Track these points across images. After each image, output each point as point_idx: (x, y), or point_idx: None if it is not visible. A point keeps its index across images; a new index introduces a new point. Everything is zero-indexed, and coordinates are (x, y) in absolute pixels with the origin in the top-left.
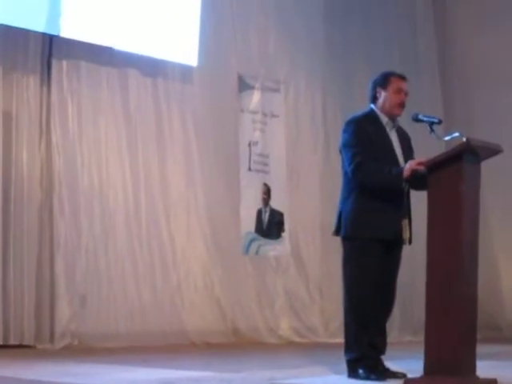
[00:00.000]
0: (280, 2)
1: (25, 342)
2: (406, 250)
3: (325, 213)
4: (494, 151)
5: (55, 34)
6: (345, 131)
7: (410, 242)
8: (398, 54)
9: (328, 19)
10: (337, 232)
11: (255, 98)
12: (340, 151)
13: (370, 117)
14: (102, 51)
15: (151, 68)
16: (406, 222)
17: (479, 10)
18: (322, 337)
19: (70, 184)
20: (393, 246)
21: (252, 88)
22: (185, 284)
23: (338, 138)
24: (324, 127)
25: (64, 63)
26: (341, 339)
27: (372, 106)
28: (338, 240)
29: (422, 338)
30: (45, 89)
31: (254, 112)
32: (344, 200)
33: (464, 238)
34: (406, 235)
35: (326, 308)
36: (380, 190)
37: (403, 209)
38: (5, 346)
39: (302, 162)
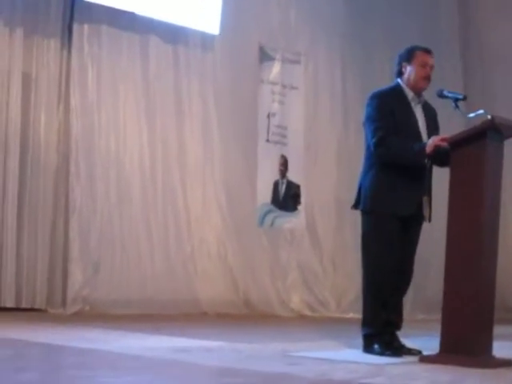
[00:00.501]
0: None
1: (36, 306)
2: (424, 227)
3: (340, 187)
4: None
5: None
6: (368, 105)
7: (430, 220)
8: (417, 28)
9: None
10: (356, 206)
11: (275, 70)
12: (363, 125)
13: (395, 91)
14: (124, 16)
15: (172, 35)
16: (426, 198)
17: None
18: (333, 311)
19: (86, 149)
20: (412, 223)
21: (272, 59)
22: (198, 253)
23: (357, 112)
24: (343, 101)
25: (85, 27)
26: (353, 314)
27: (398, 80)
28: (352, 215)
29: (435, 316)
30: (65, 52)
31: (274, 83)
32: (365, 174)
33: (485, 217)
34: (426, 212)
35: (338, 282)
36: (401, 166)
37: (424, 185)
38: (16, 309)
39: (319, 135)
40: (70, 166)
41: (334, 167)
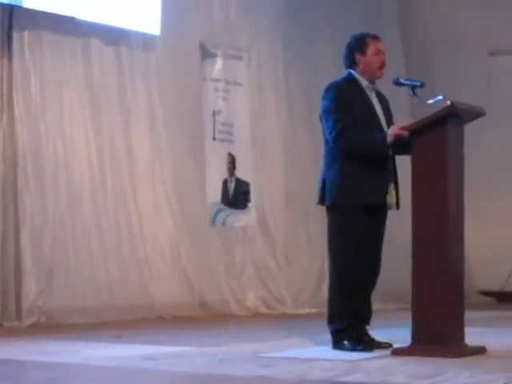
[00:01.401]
0: None
1: None
2: (392, 214)
3: (289, 182)
4: (477, 114)
5: (17, 4)
6: (324, 97)
7: (398, 207)
8: (359, 15)
9: None
10: (321, 201)
11: (218, 66)
12: (320, 118)
13: (350, 82)
14: (64, 21)
15: (114, 37)
16: (391, 186)
17: None
18: (290, 308)
19: (34, 157)
20: (379, 212)
21: (214, 56)
22: (152, 255)
23: (301, 105)
24: (287, 95)
25: (26, 34)
26: (309, 310)
27: (350, 71)
28: (303, 209)
29: (404, 305)
30: (5, 61)
31: (217, 80)
32: (327, 168)
33: (450, 205)
34: (391, 200)
35: (293, 278)
36: (364, 157)
37: (389, 174)
38: None
39: (265, 131)
40: (18, 175)
41: (281, 162)
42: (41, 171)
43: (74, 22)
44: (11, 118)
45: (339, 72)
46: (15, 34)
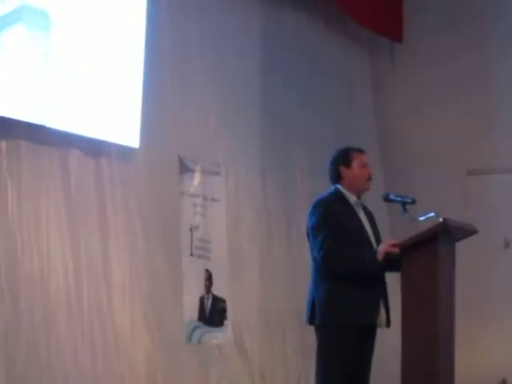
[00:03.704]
0: (219, 87)
1: None
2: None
3: (264, 301)
4: (468, 232)
5: None
6: (312, 213)
7: (389, 325)
8: (334, 131)
9: (265, 103)
10: (311, 321)
11: (195, 181)
12: (307, 235)
13: (337, 197)
14: (43, 131)
15: (93, 148)
16: (381, 304)
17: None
18: None
19: (9, 271)
20: (370, 332)
21: (192, 171)
22: (128, 374)
23: (278, 223)
24: (265, 212)
25: (3, 144)
26: None
27: (337, 185)
28: (279, 327)
29: None
30: None
31: (195, 195)
32: (316, 287)
33: (440, 324)
34: (381, 319)
35: None
36: (353, 276)
37: (379, 292)
38: None
39: (242, 249)
40: None
41: (258, 280)
42: (16, 285)
43: (53, 132)
44: None
45: (317, 187)
46: None
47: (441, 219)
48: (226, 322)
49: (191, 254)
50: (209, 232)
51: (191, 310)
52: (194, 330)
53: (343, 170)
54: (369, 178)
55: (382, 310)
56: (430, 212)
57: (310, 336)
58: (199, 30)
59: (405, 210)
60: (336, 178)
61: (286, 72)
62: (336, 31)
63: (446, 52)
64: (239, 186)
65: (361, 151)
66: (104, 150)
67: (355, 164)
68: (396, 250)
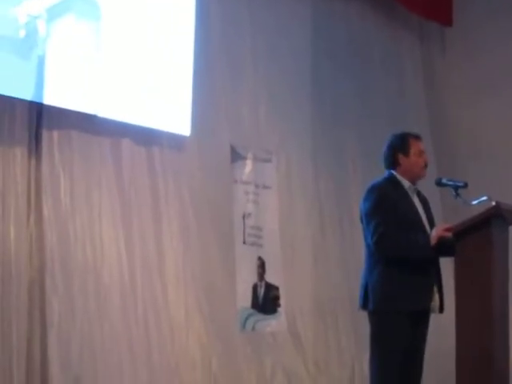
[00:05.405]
0: (269, 74)
1: None
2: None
3: (318, 286)
4: None
5: (44, 102)
6: (366, 199)
7: (442, 311)
8: (386, 122)
9: (316, 91)
10: (364, 306)
11: (247, 169)
12: (361, 220)
13: (392, 182)
14: (95, 121)
15: (145, 137)
16: (435, 289)
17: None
18: None
19: (62, 260)
20: (422, 317)
21: (244, 158)
22: (183, 364)
23: (331, 209)
24: (317, 199)
25: (55, 134)
26: None
27: (392, 171)
28: (333, 314)
29: None
30: (33, 161)
31: (247, 183)
32: (369, 272)
33: (495, 308)
34: (435, 304)
35: None
36: (407, 261)
37: (432, 277)
38: None
39: (295, 236)
40: (46, 279)
41: (311, 267)
42: (69, 275)
43: (104, 122)
44: (39, 220)
45: (369, 172)
46: (44, 134)
47: (493, 203)
48: (279, 310)
49: (244, 242)
50: (261, 219)
51: (244, 298)
52: (247, 317)
53: (401, 157)
54: (425, 166)
55: (436, 296)
56: (482, 196)
57: (364, 322)
58: (250, 20)
59: (457, 194)
60: (392, 163)
61: (336, 59)
62: (385, 17)
63: (498, 37)
64: (291, 173)
65: (417, 138)
66: (155, 139)
67: (412, 151)
68: (449, 234)
